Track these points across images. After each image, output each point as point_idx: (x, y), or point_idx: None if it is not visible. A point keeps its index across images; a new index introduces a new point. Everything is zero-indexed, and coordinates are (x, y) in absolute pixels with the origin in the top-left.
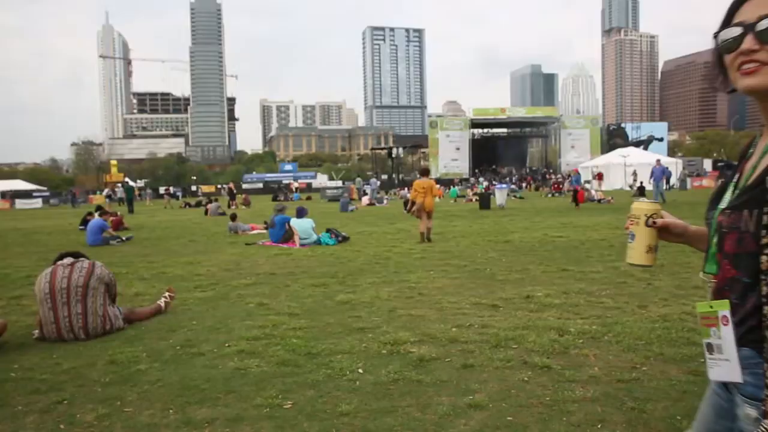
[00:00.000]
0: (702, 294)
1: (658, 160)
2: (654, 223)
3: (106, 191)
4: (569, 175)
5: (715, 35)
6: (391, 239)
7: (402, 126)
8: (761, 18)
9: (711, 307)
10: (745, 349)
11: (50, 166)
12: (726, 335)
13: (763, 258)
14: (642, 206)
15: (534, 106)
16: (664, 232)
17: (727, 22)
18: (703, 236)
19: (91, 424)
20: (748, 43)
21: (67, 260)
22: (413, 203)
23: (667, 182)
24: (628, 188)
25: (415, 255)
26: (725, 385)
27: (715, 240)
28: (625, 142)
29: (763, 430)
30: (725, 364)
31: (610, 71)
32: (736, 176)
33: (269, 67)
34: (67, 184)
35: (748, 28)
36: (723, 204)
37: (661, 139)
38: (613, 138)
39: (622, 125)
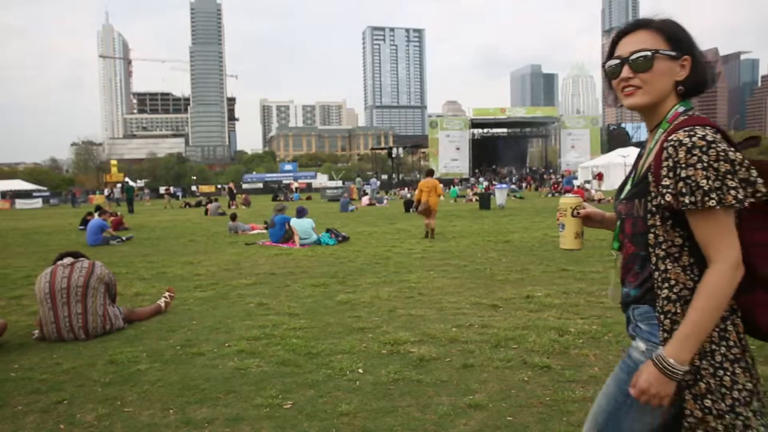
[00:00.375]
0: None
1: None
2: (578, 213)
3: (106, 191)
4: (562, 176)
5: (603, 65)
6: (391, 239)
7: (402, 126)
8: (632, 53)
9: (615, 269)
10: (644, 306)
11: (50, 166)
12: (614, 294)
13: (650, 235)
14: (568, 201)
15: (534, 106)
16: (587, 220)
17: (610, 55)
18: (615, 221)
19: (91, 424)
20: (625, 72)
21: (67, 260)
22: (419, 202)
23: None
24: None
25: (415, 255)
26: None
27: (618, 224)
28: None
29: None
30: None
31: None
32: (633, 172)
33: (269, 67)
34: (67, 184)
35: (624, 60)
36: (623, 194)
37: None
38: (613, 139)
39: (623, 125)
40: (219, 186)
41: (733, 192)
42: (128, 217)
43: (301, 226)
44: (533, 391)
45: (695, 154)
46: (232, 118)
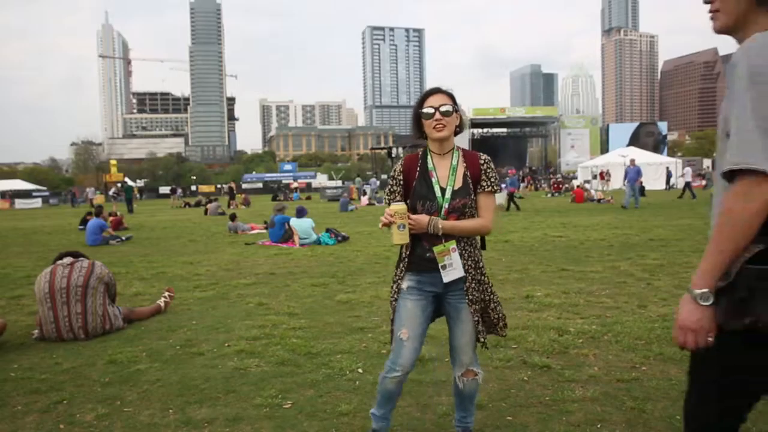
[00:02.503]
0: None
1: (633, 160)
2: (409, 216)
3: (112, 191)
4: (506, 177)
5: (419, 112)
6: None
7: (402, 126)
8: (441, 105)
9: (445, 246)
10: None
11: (50, 166)
12: (455, 257)
13: (468, 211)
14: (402, 206)
15: (533, 106)
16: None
17: (421, 106)
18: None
19: (90, 424)
20: (437, 116)
21: (67, 260)
22: None
23: (668, 182)
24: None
25: None
26: (437, 289)
27: (443, 213)
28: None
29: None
30: (455, 272)
31: (609, 71)
32: (434, 179)
33: (269, 67)
34: (66, 184)
35: (436, 109)
36: (447, 195)
37: (664, 138)
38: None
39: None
40: (219, 186)
41: (498, 185)
42: (128, 217)
43: (301, 225)
44: (533, 391)
45: (492, 166)
46: (231, 118)
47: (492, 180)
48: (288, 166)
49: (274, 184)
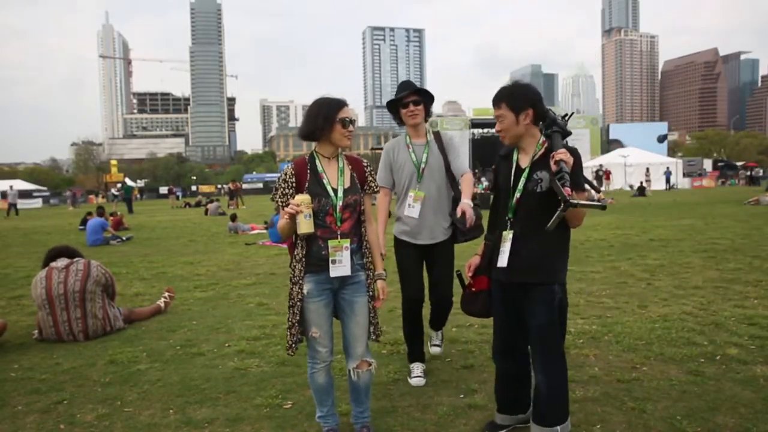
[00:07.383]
0: (702, 293)
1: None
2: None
3: (112, 190)
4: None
5: (342, 119)
6: (390, 239)
7: (402, 126)
8: (353, 120)
9: (339, 242)
10: (358, 251)
11: (50, 166)
12: (346, 255)
13: (359, 208)
14: (307, 197)
15: None
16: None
17: (337, 112)
18: None
19: (91, 424)
20: (351, 128)
21: (61, 262)
22: None
23: (668, 182)
24: (628, 188)
25: None
26: (333, 286)
27: (338, 210)
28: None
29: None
30: (343, 269)
31: (610, 71)
32: (325, 180)
33: (269, 67)
34: (67, 184)
35: (351, 122)
36: (340, 193)
37: (663, 138)
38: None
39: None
40: (219, 186)
41: (378, 187)
42: (128, 217)
43: None
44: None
45: (372, 169)
46: (232, 118)
47: (376, 182)
48: None
49: (275, 185)
